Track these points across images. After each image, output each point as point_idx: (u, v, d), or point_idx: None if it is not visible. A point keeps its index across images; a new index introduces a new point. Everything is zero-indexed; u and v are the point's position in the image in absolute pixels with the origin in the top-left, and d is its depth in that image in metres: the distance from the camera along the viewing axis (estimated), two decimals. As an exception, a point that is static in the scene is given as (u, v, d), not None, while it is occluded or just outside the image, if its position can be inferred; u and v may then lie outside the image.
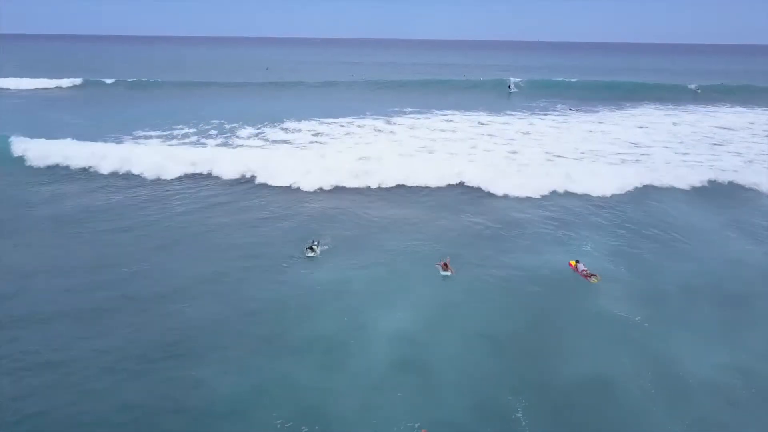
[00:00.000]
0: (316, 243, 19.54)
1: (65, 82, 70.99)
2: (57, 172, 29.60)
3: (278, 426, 10.91)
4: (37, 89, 67.97)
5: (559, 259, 18.87)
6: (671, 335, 14.59)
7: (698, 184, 28.50)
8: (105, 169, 29.47)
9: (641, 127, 46.56)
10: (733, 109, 59.29)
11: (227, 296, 16.18)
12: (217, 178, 28.58)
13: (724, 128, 46.62)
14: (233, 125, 42.89)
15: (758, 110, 58.02)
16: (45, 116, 48.01)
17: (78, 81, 71.84)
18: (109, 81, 72.29)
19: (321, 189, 26.58)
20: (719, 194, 27.41)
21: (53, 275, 17.42)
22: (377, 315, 15.09)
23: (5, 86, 68.49)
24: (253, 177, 28.23)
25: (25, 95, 63.24)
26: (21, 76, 72.91)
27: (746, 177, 29.53)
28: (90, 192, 26.50)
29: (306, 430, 10.84)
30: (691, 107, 60.20)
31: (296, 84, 76.98)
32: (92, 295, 16.16)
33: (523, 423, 11.04)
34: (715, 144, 40.20)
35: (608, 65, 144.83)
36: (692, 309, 16.03)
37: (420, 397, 11.80)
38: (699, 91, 72.57)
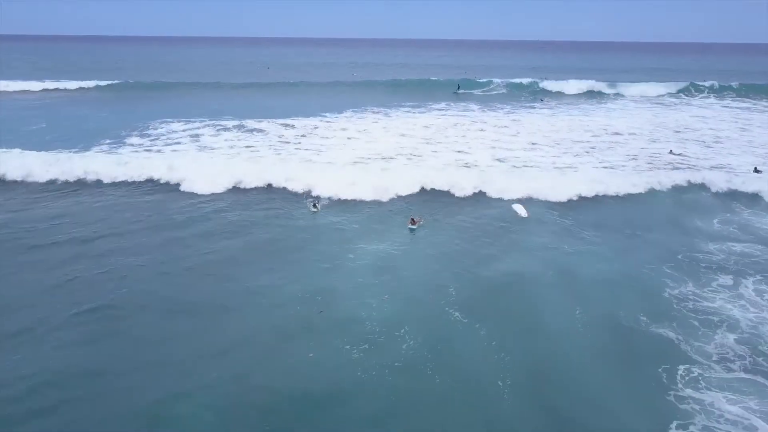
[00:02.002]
0: (317, 201, 25.82)
1: (73, 85, 74.99)
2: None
3: (299, 296, 16.88)
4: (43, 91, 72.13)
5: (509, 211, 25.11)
6: (578, 253, 20.52)
7: (639, 161, 34.59)
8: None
9: (622, 118, 53.02)
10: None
11: (254, 234, 22.32)
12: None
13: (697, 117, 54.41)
14: (228, 127, 48.00)
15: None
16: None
17: (91, 84, 76.22)
18: (117, 82, 77.29)
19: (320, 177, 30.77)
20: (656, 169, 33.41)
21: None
22: (363, 243, 21.27)
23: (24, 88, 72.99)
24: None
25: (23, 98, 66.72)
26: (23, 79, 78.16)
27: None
28: (109, 194, 28.92)
29: (319, 298, 16.79)
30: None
31: (297, 83, 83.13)
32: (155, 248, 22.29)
33: (453, 294, 17.08)
34: (677, 131, 46.65)
35: (609, 65, 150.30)
36: (600, 239, 22.02)
37: (388, 283, 17.89)
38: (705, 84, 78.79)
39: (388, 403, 12.21)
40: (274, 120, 47.83)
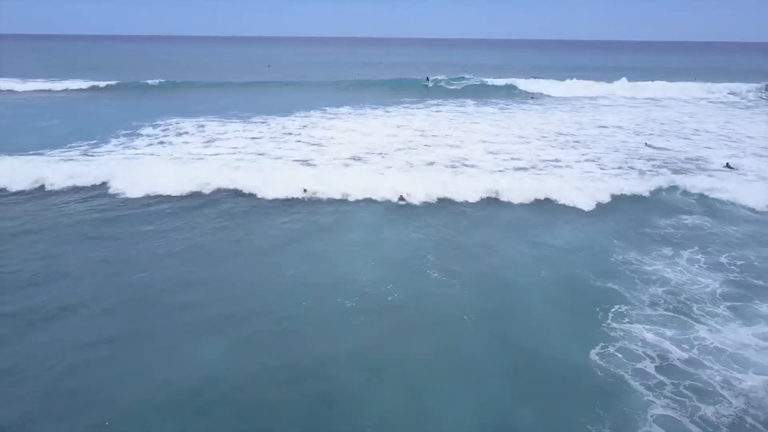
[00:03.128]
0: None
1: (77, 84, 75.87)
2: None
3: (296, 259, 19.70)
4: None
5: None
6: (548, 226, 23.41)
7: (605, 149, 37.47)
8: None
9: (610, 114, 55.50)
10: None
11: (255, 218, 25.16)
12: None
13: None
14: (233, 121, 51.62)
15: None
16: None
17: (108, 83, 76.89)
18: (121, 81, 79.00)
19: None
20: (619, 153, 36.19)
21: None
22: (353, 217, 24.32)
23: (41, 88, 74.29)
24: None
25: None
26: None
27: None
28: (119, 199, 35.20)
29: (314, 266, 19.57)
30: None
31: (298, 81, 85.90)
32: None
33: (432, 260, 19.88)
34: (663, 124, 49.40)
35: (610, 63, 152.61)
36: (569, 216, 24.82)
37: (376, 252, 20.71)
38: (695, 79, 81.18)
39: (374, 338, 14.98)
40: (275, 116, 50.54)
